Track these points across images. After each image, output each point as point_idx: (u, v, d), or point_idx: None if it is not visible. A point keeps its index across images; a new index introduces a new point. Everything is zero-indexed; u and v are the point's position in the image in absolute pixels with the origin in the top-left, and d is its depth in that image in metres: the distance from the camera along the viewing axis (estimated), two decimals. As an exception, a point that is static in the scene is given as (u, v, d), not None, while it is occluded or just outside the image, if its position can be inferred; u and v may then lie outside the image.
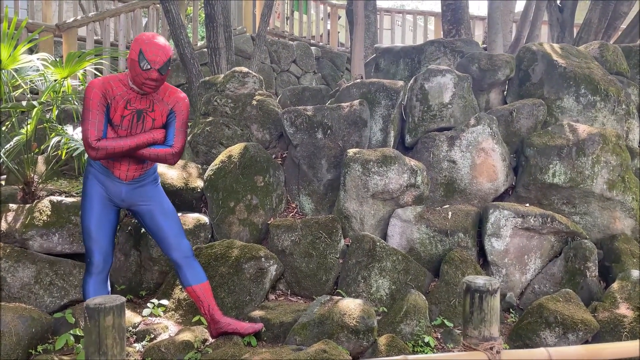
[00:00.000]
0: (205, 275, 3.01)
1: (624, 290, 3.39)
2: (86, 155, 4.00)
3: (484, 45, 6.58)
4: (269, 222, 3.89)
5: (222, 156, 4.06)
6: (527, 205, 3.90)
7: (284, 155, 4.43)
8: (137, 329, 3.23)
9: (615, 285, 3.46)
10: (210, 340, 3.09)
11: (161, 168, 4.13)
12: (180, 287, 3.47)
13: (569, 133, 4.07)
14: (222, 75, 4.84)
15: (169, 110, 2.85)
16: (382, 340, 3.00)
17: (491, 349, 1.63)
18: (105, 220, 2.87)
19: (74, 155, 3.85)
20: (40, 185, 4.00)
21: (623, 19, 6.69)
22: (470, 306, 1.69)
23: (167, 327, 3.25)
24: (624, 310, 3.28)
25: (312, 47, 9.16)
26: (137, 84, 2.73)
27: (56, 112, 4.05)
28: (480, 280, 1.69)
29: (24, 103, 3.92)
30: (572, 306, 3.34)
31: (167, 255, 2.99)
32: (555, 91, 4.47)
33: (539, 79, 4.54)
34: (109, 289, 2.96)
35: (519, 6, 8.16)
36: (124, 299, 1.61)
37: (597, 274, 3.68)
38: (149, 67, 2.65)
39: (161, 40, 2.72)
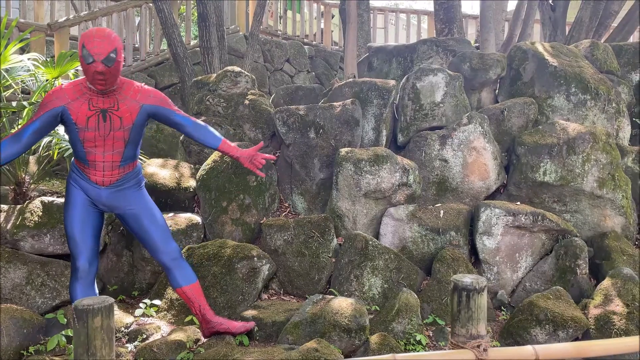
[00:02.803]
0: (195, 276, 2.98)
1: (614, 288, 3.42)
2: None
3: (477, 44, 6.61)
4: (261, 222, 3.89)
5: (214, 156, 4.06)
6: (518, 203, 3.93)
7: (277, 155, 4.43)
8: (129, 329, 3.23)
9: (605, 283, 3.49)
10: (203, 340, 3.10)
11: (153, 168, 4.13)
12: (172, 287, 3.47)
13: (559, 131, 4.09)
14: (215, 75, 4.83)
15: (140, 107, 2.75)
16: (374, 339, 3.01)
17: (478, 346, 1.64)
18: (88, 224, 2.82)
19: (65, 155, 3.84)
20: (32, 186, 3.99)
21: (614, 18, 6.73)
22: (458, 304, 1.70)
23: (160, 327, 3.25)
24: (614, 307, 3.31)
25: (306, 46, 9.16)
26: (89, 81, 2.63)
27: (47, 113, 4.02)
28: (467, 278, 1.71)
29: (14, 103, 3.90)
30: (563, 304, 3.37)
31: (155, 258, 2.96)
32: (546, 90, 4.49)
33: (530, 77, 4.57)
34: (97, 291, 2.93)
35: (511, 5, 8.20)
36: (112, 300, 1.62)
37: (587, 271, 3.70)
38: (92, 59, 2.54)
39: (105, 32, 2.61)
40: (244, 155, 2.94)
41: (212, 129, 2.93)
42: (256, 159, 2.95)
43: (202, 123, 2.92)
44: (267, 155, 3.01)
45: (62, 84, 2.77)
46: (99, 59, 2.54)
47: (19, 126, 3.77)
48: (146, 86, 2.84)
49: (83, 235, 2.79)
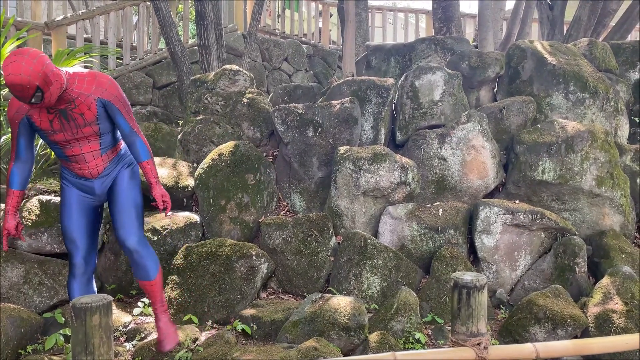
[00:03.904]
0: (155, 273, 2.76)
1: (613, 286, 3.42)
2: None
3: (475, 43, 6.60)
4: (260, 221, 3.88)
5: (212, 154, 4.05)
6: (517, 201, 3.93)
7: (275, 153, 4.42)
8: (127, 328, 3.22)
9: (604, 281, 3.49)
10: (201, 339, 3.09)
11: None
12: (170, 286, 3.46)
13: (558, 130, 4.09)
14: (213, 73, 4.82)
15: (96, 100, 2.59)
16: (373, 338, 3.00)
17: (479, 344, 1.63)
18: (84, 221, 2.75)
19: (63, 154, 3.81)
20: (29, 185, 3.97)
21: (612, 17, 6.73)
22: (458, 302, 1.69)
23: (158, 326, 3.24)
24: (613, 305, 3.31)
25: (304, 45, 9.14)
26: None
27: (45, 111, 4.00)
28: (467, 276, 1.70)
29: (11, 102, 3.87)
30: (562, 302, 3.36)
31: (119, 245, 2.79)
32: (544, 88, 4.49)
33: (528, 76, 4.57)
34: (95, 289, 2.88)
35: (510, 4, 8.21)
36: (110, 298, 1.60)
37: (586, 269, 3.70)
38: (22, 101, 2.42)
39: (20, 73, 2.32)
40: (159, 189, 2.72)
41: (145, 145, 2.73)
42: (167, 201, 2.73)
43: (139, 137, 2.71)
44: (168, 213, 2.77)
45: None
46: (26, 101, 2.41)
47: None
48: (101, 76, 2.64)
49: (78, 233, 2.74)
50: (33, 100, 2.40)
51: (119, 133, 2.79)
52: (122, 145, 2.84)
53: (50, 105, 2.50)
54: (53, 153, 3.91)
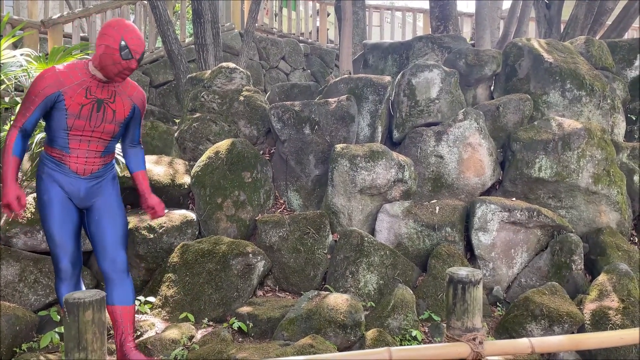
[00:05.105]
0: (133, 298, 2.74)
1: (610, 283, 3.42)
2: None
3: (472, 42, 6.61)
4: (256, 218, 3.87)
5: (209, 152, 4.04)
6: (514, 199, 3.92)
7: (272, 151, 4.41)
8: (123, 326, 3.20)
9: (600, 278, 3.49)
10: (197, 337, 3.08)
11: (147, 165, 4.10)
12: (167, 284, 3.45)
13: (554, 128, 4.09)
14: (210, 71, 4.81)
15: (132, 105, 2.75)
16: (370, 335, 3.00)
17: (474, 339, 1.63)
18: (69, 222, 2.65)
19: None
20: (25, 183, 3.95)
21: (609, 15, 6.74)
22: (453, 297, 1.69)
23: (154, 324, 3.24)
24: (610, 302, 3.31)
25: (301, 44, 9.14)
26: (110, 72, 2.56)
27: (40, 109, 3.98)
28: (462, 271, 1.70)
29: (7, 99, 3.87)
30: (558, 299, 3.37)
31: (99, 266, 2.73)
32: (541, 86, 4.49)
33: (525, 74, 4.57)
34: (84, 289, 2.84)
35: (507, 3, 8.22)
36: (104, 293, 1.60)
37: (582, 267, 3.70)
38: (130, 57, 2.53)
39: (138, 30, 2.66)
40: (152, 199, 2.85)
41: (142, 157, 2.92)
42: (158, 212, 2.86)
43: (139, 148, 2.91)
44: (160, 214, 2.87)
45: (55, 67, 2.65)
46: (136, 57, 2.57)
47: (11, 121, 3.73)
48: (140, 87, 2.84)
49: (64, 235, 2.64)
50: (140, 57, 2.60)
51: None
52: (113, 156, 2.88)
53: (119, 80, 2.63)
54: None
